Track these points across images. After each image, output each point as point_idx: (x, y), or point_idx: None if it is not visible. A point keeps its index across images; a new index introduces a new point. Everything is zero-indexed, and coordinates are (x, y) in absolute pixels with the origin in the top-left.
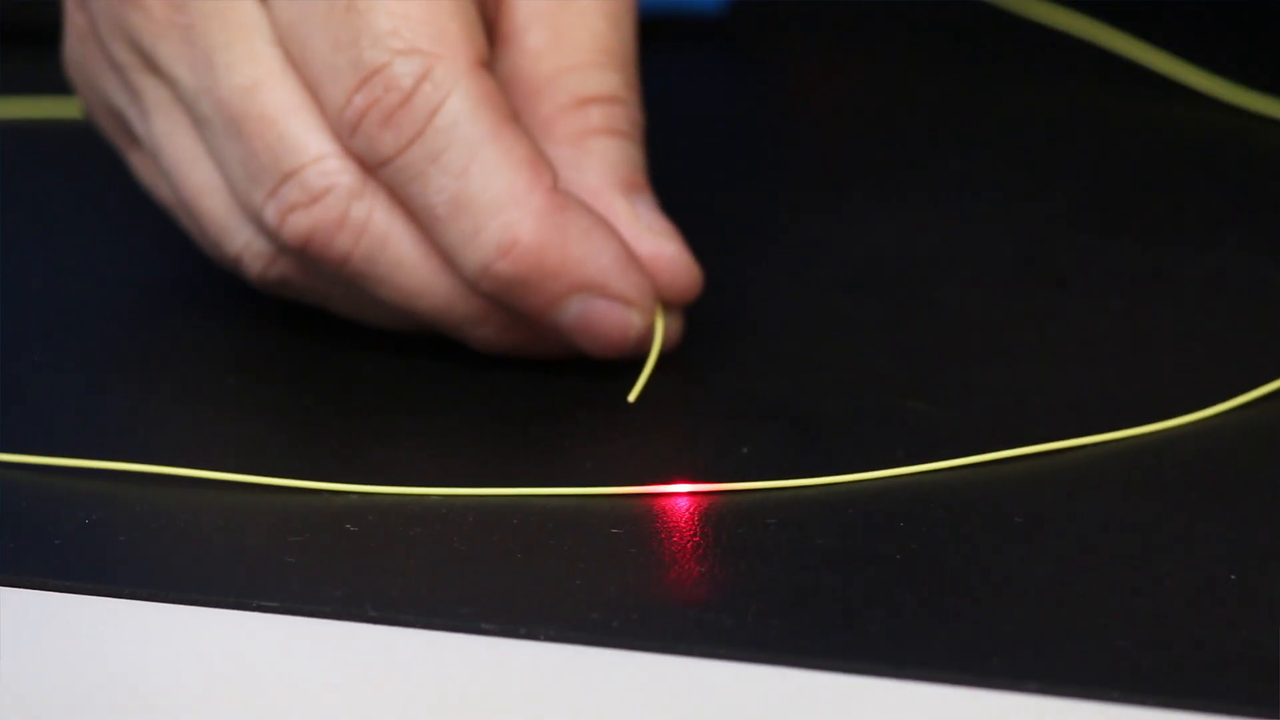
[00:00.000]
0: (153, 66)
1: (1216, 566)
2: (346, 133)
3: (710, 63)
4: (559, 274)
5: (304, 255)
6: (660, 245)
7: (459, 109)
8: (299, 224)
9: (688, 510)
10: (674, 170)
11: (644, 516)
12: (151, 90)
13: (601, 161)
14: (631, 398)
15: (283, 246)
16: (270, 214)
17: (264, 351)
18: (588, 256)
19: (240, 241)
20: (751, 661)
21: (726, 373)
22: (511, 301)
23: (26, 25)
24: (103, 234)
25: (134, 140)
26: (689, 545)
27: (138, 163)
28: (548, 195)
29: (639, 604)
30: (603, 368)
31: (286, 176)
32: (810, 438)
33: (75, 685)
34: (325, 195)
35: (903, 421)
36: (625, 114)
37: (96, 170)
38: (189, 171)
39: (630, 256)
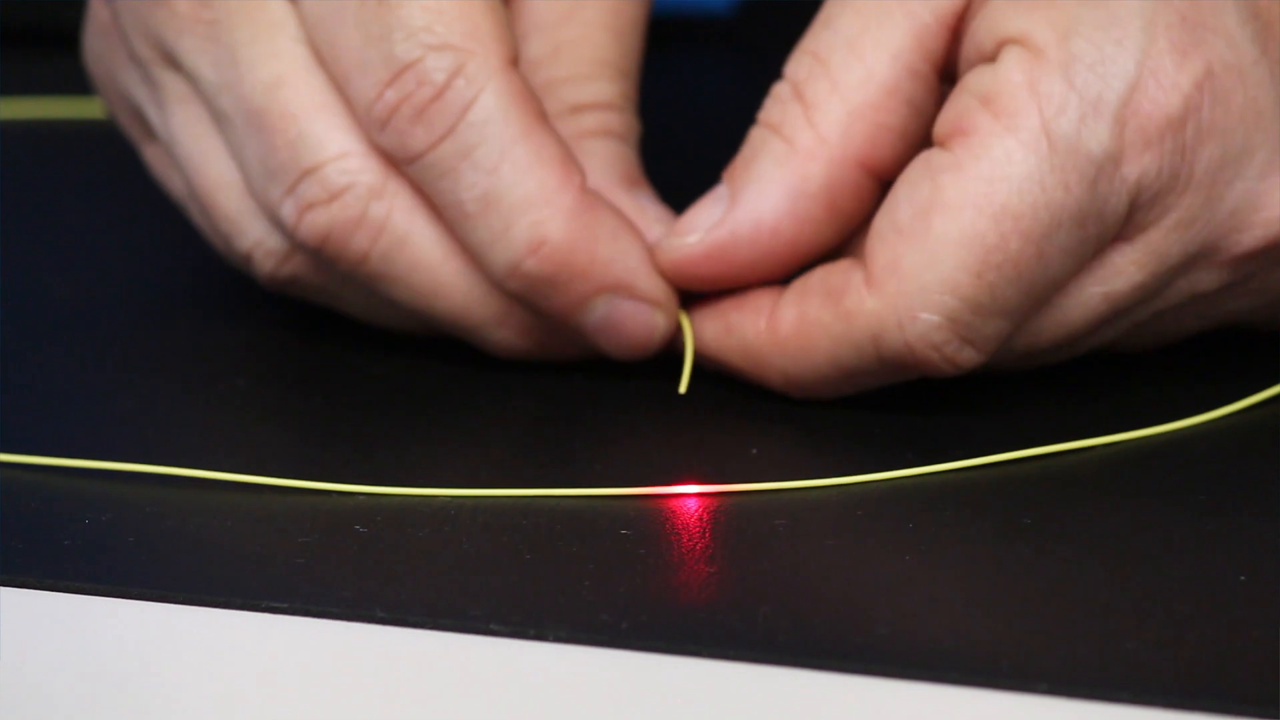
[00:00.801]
0: (174, 62)
1: (1226, 567)
2: (376, 128)
3: (718, 62)
4: (587, 274)
5: (320, 254)
6: None
7: (491, 105)
8: (316, 221)
9: (697, 511)
10: (681, 170)
11: (653, 518)
12: (171, 85)
13: (599, 161)
14: (682, 389)
15: (299, 244)
16: (288, 211)
17: (273, 353)
18: (616, 257)
19: (252, 239)
20: (761, 663)
21: (733, 375)
22: (538, 301)
23: (26, 25)
24: (109, 235)
25: (149, 134)
26: (698, 546)
27: (152, 156)
28: (578, 195)
29: (648, 605)
30: (611, 370)
31: (305, 173)
32: (818, 439)
33: (83, 686)
34: (344, 193)
35: (911, 422)
36: (620, 119)
37: (101, 171)
38: (204, 166)
39: (654, 258)
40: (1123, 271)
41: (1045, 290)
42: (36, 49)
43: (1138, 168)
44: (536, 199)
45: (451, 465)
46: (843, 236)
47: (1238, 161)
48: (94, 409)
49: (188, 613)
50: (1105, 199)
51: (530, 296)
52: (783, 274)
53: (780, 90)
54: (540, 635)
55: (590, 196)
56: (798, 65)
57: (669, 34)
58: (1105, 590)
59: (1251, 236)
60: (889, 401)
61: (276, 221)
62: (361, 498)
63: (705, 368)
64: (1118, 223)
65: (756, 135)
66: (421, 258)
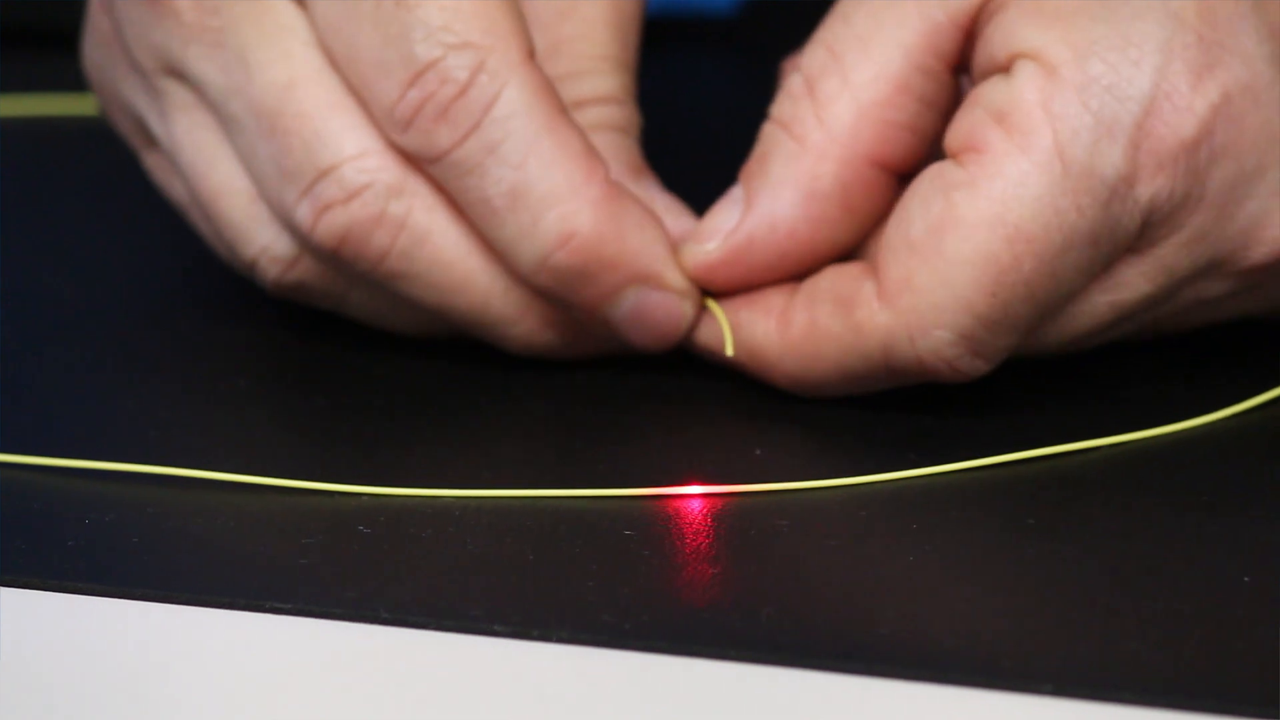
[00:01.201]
0: (178, 71)
1: (1228, 568)
2: (398, 129)
3: (720, 62)
4: (617, 265)
5: (337, 254)
6: (681, 223)
7: (515, 100)
8: (335, 222)
9: (700, 512)
10: (682, 170)
11: (656, 518)
12: (174, 93)
13: (604, 154)
14: (729, 352)
15: (314, 246)
16: (303, 212)
17: (274, 353)
18: (644, 247)
19: (258, 246)
20: (764, 663)
21: (738, 374)
22: (566, 295)
23: (26, 25)
24: (109, 235)
25: (150, 141)
26: (701, 547)
27: (152, 164)
28: (604, 186)
29: (651, 605)
30: (614, 370)
31: (323, 174)
32: (822, 439)
33: (85, 687)
34: (363, 192)
35: (914, 423)
36: (621, 112)
37: (101, 170)
38: (208, 173)
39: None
40: (1131, 283)
41: (1056, 305)
42: (36, 49)
43: (1150, 189)
44: (564, 192)
45: (454, 466)
46: (861, 233)
47: (1250, 181)
48: (94, 409)
49: (190, 613)
50: (1117, 219)
51: (559, 290)
52: (802, 273)
53: (793, 84)
54: (543, 636)
55: (616, 188)
56: (812, 58)
57: (670, 34)
58: (1107, 591)
59: (1260, 252)
60: (892, 402)
61: (290, 224)
62: (364, 498)
63: (707, 360)
64: (1129, 240)
65: (768, 132)
66: (442, 254)
